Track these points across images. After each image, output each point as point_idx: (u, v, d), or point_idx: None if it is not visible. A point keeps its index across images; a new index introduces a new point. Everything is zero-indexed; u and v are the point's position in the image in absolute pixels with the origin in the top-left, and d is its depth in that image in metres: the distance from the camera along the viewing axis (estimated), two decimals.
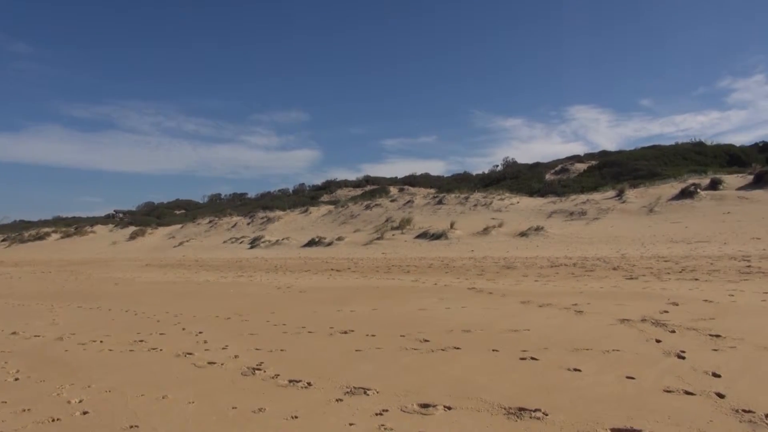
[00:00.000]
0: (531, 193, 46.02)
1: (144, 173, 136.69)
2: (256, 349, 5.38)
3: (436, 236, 28.64)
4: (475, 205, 40.75)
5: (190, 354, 5.29)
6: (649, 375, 3.84)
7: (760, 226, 22.20)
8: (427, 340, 5.39)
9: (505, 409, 3.30)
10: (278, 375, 4.33)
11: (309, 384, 4.03)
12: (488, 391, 3.65)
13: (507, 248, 22.44)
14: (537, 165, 66.62)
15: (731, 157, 55.94)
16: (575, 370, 4.07)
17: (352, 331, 6.12)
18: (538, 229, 27.29)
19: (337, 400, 3.63)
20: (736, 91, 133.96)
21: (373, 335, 5.79)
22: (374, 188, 63.78)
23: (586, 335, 5.32)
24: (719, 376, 3.74)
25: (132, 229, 51.87)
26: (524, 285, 10.03)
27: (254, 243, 35.26)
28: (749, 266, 11.15)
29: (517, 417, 3.17)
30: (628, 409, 3.20)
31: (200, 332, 6.51)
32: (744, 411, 3.07)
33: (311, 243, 31.73)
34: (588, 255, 17.15)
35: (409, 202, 45.73)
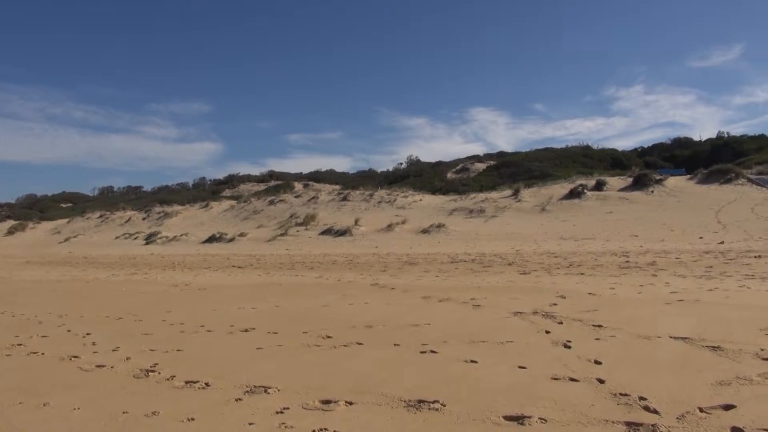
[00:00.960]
0: (433, 191, 47.20)
1: (25, 163, 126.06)
2: (151, 350, 5.13)
3: (341, 233, 28.67)
4: (380, 202, 41.23)
5: (76, 357, 4.95)
6: (539, 364, 4.08)
7: (638, 224, 24.15)
8: (330, 337, 5.39)
9: (405, 401, 3.37)
10: (174, 376, 4.15)
11: (207, 384, 3.90)
12: (389, 385, 3.71)
13: (410, 244, 22.89)
14: (439, 164, 68.42)
15: (614, 161, 60.48)
16: (472, 361, 4.23)
17: (254, 329, 6.00)
18: (439, 226, 28.05)
19: (236, 400, 3.54)
20: (620, 99, 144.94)
21: (275, 333, 5.71)
22: (279, 183, 62.77)
23: (482, 328, 5.54)
24: (600, 363, 4.04)
25: (11, 223, 47.59)
26: (426, 280, 10.29)
27: (150, 239, 33.53)
28: (628, 261, 12.12)
29: (417, 409, 3.25)
30: (519, 397, 3.38)
31: (88, 334, 6.10)
32: (621, 394, 3.34)
33: (212, 239, 30.69)
34: (486, 251, 17.87)
35: (313, 198, 45.44)
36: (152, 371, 4.33)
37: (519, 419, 3.02)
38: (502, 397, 3.38)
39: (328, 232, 29.53)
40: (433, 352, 4.60)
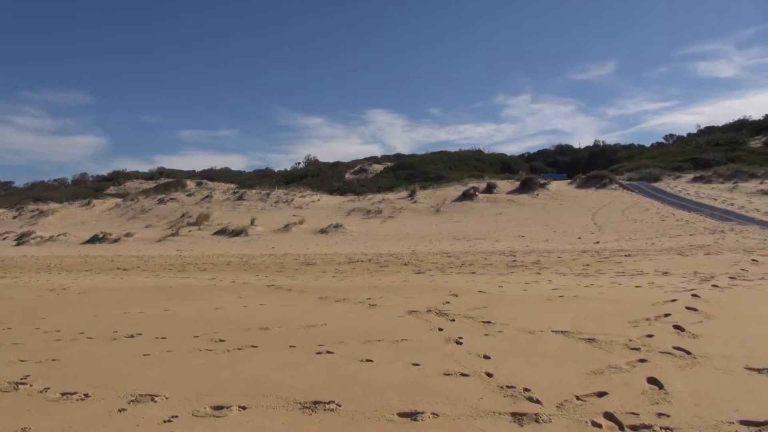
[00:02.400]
0: (332, 192, 47.18)
1: None
2: (21, 361, 4.69)
3: (236, 233, 27.89)
4: (277, 202, 40.60)
5: None
6: (432, 361, 4.20)
7: (524, 225, 25.56)
8: (223, 340, 5.22)
9: (300, 403, 3.34)
10: (48, 388, 3.83)
11: (86, 395, 3.64)
12: (284, 388, 3.66)
13: (307, 245, 22.72)
14: (337, 164, 68.54)
15: (504, 165, 63.68)
16: (368, 360, 4.27)
17: (140, 334, 5.67)
18: (337, 226, 28.09)
19: (119, 411, 3.33)
20: (508, 107, 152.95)
21: (164, 338, 5.44)
22: (169, 181, 59.95)
23: (378, 327, 5.61)
24: (489, 357, 4.23)
25: None
26: (323, 281, 10.26)
27: (22, 239, 30.72)
28: (515, 260, 12.81)
29: (312, 410, 3.23)
30: (413, 393, 3.46)
31: None
32: (507, 387, 3.51)
33: (94, 239, 28.68)
34: (383, 251, 18.13)
35: (207, 197, 43.86)
36: (22, 383, 3.96)
37: (412, 415, 3.09)
38: (396, 394, 3.44)
39: (222, 232, 28.60)
40: (329, 352, 4.59)
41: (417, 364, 4.10)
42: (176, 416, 3.20)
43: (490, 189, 38.37)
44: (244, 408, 3.31)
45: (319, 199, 41.28)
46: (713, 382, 3.47)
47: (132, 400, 3.50)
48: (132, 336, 5.60)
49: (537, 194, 36.63)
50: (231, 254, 19.50)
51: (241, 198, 42.36)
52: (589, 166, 54.82)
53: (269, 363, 4.34)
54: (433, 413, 3.11)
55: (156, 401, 3.48)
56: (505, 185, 40.21)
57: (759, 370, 3.61)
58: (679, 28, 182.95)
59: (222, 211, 37.53)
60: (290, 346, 4.86)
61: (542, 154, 79.73)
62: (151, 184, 63.01)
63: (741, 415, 2.90)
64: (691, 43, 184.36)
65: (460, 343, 4.72)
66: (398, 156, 76.96)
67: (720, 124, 74.37)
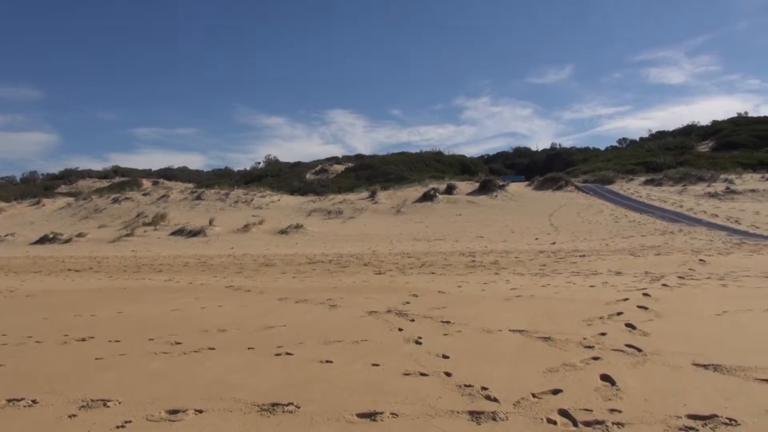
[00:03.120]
0: (292, 192, 46.86)
1: None
2: None
3: (194, 233, 27.38)
4: (236, 202, 40.05)
5: None
6: (392, 361, 4.21)
7: (483, 226, 25.90)
8: (180, 343, 5.11)
9: (258, 406, 3.30)
10: None
11: (34, 401, 3.51)
12: (242, 390, 3.61)
13: (267, 245, 22.49)
14: (298, 164, 68.13)
15: (463, 166, 64.39)
16: (327, 361, 4.26)
17: (92, 337, 5.50)
18: (298, 226, 27.90)
19: (69, 417, 3.22)
20: (468, 109, 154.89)
21: (118, 341, 5.29)
22: (124, 180, 58.42)
23: (338, 328, 5.60)
24: (448, 357, 4.27)
25: None
26: (283, 282, 10.17)
27: None
28: (474, 261, 12.98)
29: (270, 413, 3.20)
30: (372, 394, 3.46)
31: None
32: (465, 386, 3.56)
33: (44, 240, 27.69)
34: (343, 252, 18.10)
35: (164, 196, 42.90)
36: None
37: (371, 416, 3.10)
38: (355, 395, 3.44)
39: (179, 232, 28.03)
40: (288, 354, 4.56)
41: (377, 365, 4.11)
42: (129, 421, 3.12)
43: (450, 190, 38.76)
44: (200, 411, 3.25)
45: (279, 200, 40.90)
46: (662, 378, 3.59)
47: (83, 406, 3.40)
48: (84, 339, 5.43)
49: (496, 196, 37.19)
50: (188, 255, 19.13)
51: (199, 198, 41.60)
52: (547, 168, 56.05)
53: (227, 365, 4.27)
54: (392, 413, 3.12)
55: (108, 406, 3.38)
56: (464, 186, 40.69)
57: (705, 366, 3.76)
58: (632, 35, 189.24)
59: (179, 211, 36.77)
60: (249, 348, 4.80)
61: (501, 156, 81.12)
62: (106, 183, 61.28)
63: (688, 409, 3.02)
64: (644, 50, 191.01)
65: (420, 343, 4.76)
66: (359, 156, 76.98)
67: (670, 129, 77.38)
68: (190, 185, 53.70)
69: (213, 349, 4.83)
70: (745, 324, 5.16)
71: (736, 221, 23.49)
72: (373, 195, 38.98)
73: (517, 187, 41.15)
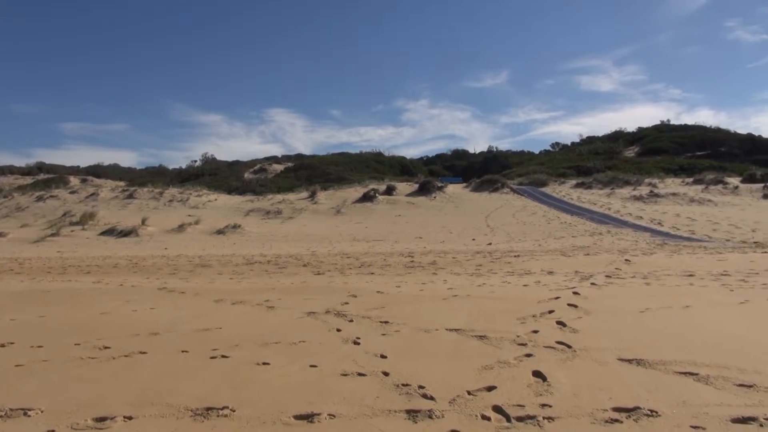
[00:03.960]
0: (230, 191, 45.94)
1: None
2: None
3: (125, 233, 26.35)
4: (171, 201, 38.89)
5: None
6: (330, 362, 4.20)
7: (422, 227, 26.22)
8: (108, 347, 4.90)
9: (192, 410, 3.22)
10: None
11: None
12: (175, 394, 3.50)
13: (203, 246, 21.93)
14: (236, 163, 66.87)
15: (403, 168, 64.94)
16: (264, 363, 4.20)
17: (12, 343, 5.19)
18: (235, 226, 27.36)
19: None
20: (408, 111, 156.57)
21: (40, 346, 5.01)
22: (49, 177, 55.54)
23: (276, 329, 5.53)
24: (386, 357, 4.30)
25: None
26: (219, 283, 9.94)
27: None
28: (413, 261, 13.12)
29: (205, 417, 3.12)
30: (310, 395, 3.44)
31: None
32: (403, 385, 3.59)
33: None
34: (282, 253, 17.89)
35: (93, 194, 41.14)
36: None
37: (309, 417, 3.08)
38: (293, 397, 3.41)
39: (110, 232, 26.92)
40: (224, 356, 4.46)
41: (315, 366, 4.09)
42: (53, 430, 2.97)
43: (389, 191, 39.03)
44: (129, 418, 3.13)
45: (216, 199, 39.98)
46: (590, 373, 3.75)
47: (1, 416, 3.20)
48: (3, 345, 5.11)
49: (435, 197, 37.74)
50: (119, 256, 18.39)
51: (131, 196, 40.08)
52: (484, 170, 57.34)
53: (159, 369, 4.14)
54: (329, 414, 3.11)
55: (29, 415, 3.20)
56: (404, 188, 41.07)
57: (629, 361, 3.96)
58: (565, 43, 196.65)
59: (110, 210, 35.30)
60: (182, 351, 4.67)
61: (440, 158, 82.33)
62: (29, 180, 58.07)
63: (614, 402, 3.17)
64: (576, 59, 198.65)
65: (358, 344, 4.77)
66: (299, 156, 76.34)
67: (600, 135, 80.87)
68: (122, 183, 51.70)
69: (144, 353, 4.67)
70: (666, 320, 5.47)
71: (659, 223, 24.80)
72: (312, 195, 38.74)
73: (455, 189, 41.91)
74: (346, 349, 4.62)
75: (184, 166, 67.81)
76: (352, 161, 63.36)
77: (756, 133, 69.13)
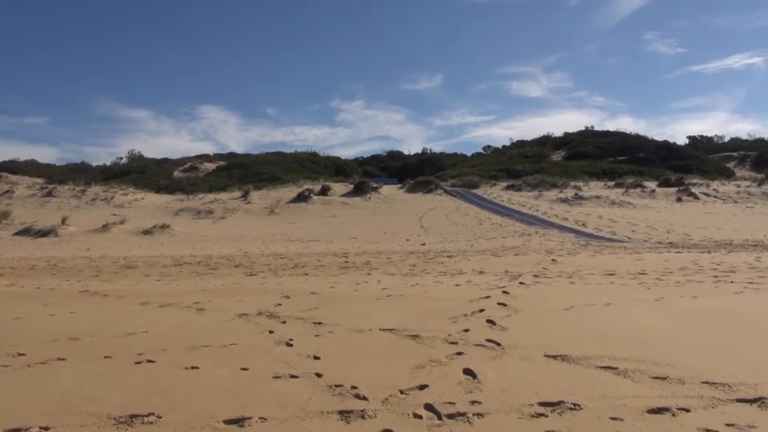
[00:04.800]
0: (158, 190, 44.39)
1: None
2: None
3: (44, 233, 24.91)
4: (94, 200, 37.15)
5: None
6: (261, 364, 4.13)
7: (357, 227, 26.25)
8: (23, 354, 4.61)
9: (114, 419, 3.08)
10: None
11: None
12: (97, 403, 3.34)
13: (129, 247, 21.06)
14: (165, 161, 64.72)
15: (338, 168, 64.82)
16: (193, 368, 4.07)
17: None
18: (164, 227, 26.45)
19: None
20: (343, 111, 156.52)
21: None
22: None
23: (205, 332, 5.38)
24: (319, 358, 4.27)
25: None
26: (145, 285, 9.57)
27: None
28: (347, 261, 13.10)
29: (128, 425, 3.00)
30: (241, 399, 3.37)
31: None
32: (336, 386, 3.58)
33: None
34: (213, 253, 17.44)
35: (8, 192, 38.68)
36: None
37: (239, 421, 3.01)
38: (223, 401, 3.33)
39: (26, 232, 25.38)
40: (150, 361, 4.30)
41: (246, 369, 4.01)
42: None
43: (324, 191, 38.85)
44: (46, 429, 2.96)
45: (143, 198, 38.48)
46: (518, 369, 3.87)
47: None
48: None
49: (369, 197, 37.88)
50: (36, 257, 17.35)
51: (50, 194, 37.93)
52: (418, 171, 58.11)
53: (79, 377, 3.94)
54: (261, 417, 3.06)
55: None
56: (339, 188, 41.00)
57: (554, 357, 4.12)
58: (497, 49, 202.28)
59: (26, 209, 33.27)
60: (105, 357, 4.46)
61: (375, 158, 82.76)
62: None
63: (540, 397, 3.28)
64: (507, 65, 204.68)
65: (291, 345, 4.72)
66: (232, 155, 74.67)
67: (529, 139, 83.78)
68: (40, 180, 48.84)
69: (63, 359, 4.43)
70: (589, 317, 5.72)
71: (583, 224, 25.94)
72: (245, 195, 38.00)
73: (390, 190, 42.22)
74: (278, 351, 4.56)
75: (108, 163, 64.94)
76: (286, 161, 62.61)
77: (671, 140, 73.93)
